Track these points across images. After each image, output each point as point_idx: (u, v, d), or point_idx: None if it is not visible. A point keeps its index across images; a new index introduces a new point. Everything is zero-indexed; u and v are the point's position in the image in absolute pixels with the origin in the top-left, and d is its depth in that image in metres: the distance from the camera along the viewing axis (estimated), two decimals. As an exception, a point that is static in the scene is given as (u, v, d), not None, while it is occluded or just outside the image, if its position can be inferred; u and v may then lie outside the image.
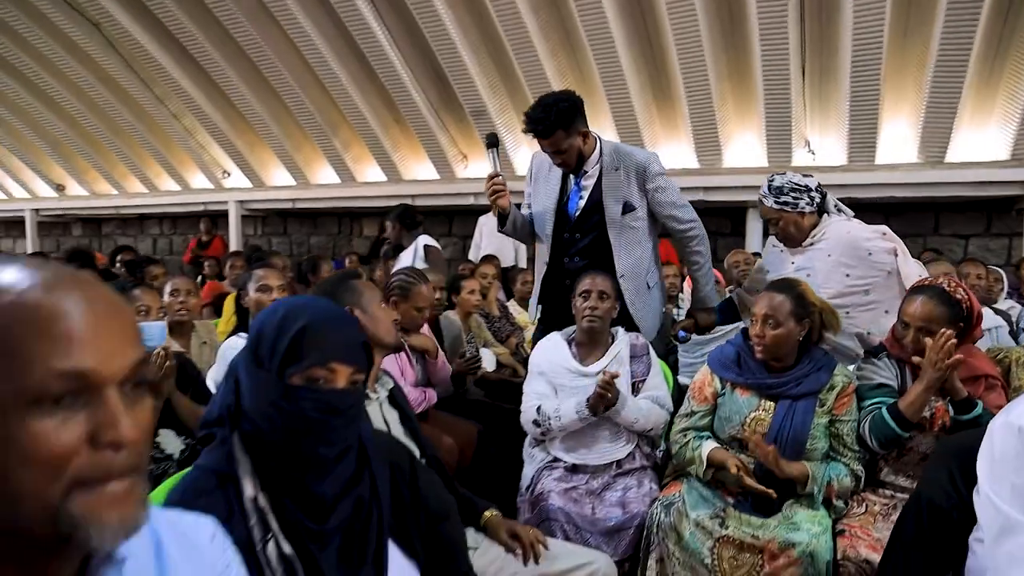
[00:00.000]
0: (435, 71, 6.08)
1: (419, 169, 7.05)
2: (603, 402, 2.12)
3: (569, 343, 2.37)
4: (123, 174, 8.48)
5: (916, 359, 1.88)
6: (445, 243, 5.44)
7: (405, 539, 1.10)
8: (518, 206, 2.72)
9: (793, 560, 1.79)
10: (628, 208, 2.54)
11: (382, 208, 7.15)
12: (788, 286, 2.01)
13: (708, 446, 2.03)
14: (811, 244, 2.41)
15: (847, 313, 2.24)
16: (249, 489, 0.98)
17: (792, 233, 2.42)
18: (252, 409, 1.02)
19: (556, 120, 2.38)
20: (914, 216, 6.00)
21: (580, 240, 2.60)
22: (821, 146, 5.64)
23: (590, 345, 2.34)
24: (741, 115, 5.69)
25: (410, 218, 4.69)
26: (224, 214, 7.93)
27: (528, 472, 2.30)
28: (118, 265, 5.46)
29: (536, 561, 1.61)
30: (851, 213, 2.50)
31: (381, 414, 1.68)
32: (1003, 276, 4.36)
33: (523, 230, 2.70)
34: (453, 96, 6.14)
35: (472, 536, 1.67)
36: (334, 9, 5.70)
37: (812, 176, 2.47)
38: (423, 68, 6.10)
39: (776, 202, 2.41)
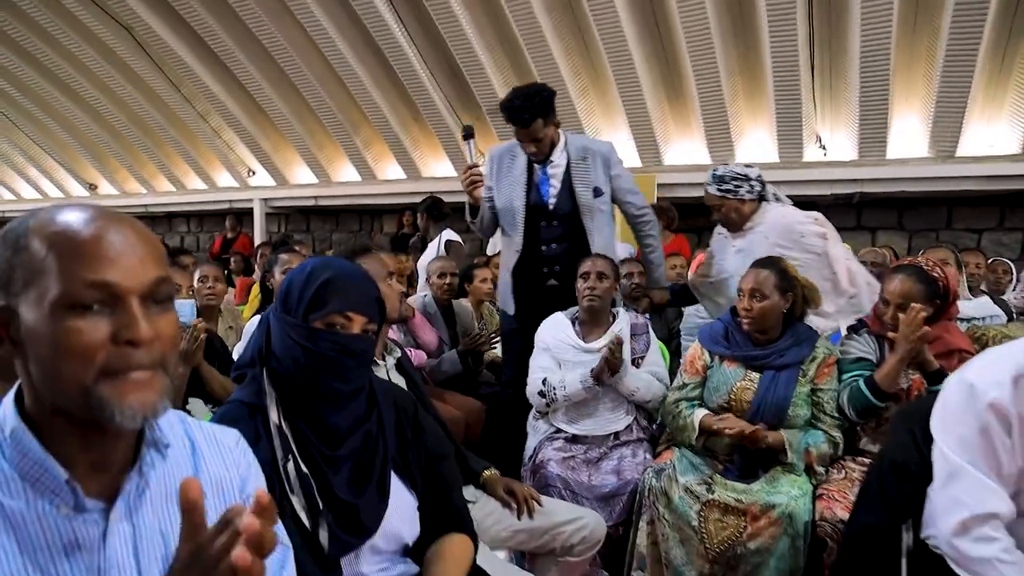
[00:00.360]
0: (452, 70, 6.25)
1: (437, 166, 7.22)
2: (609, 366, 2.25)
3: (573, 322, 2.51)
4: (152, 173, 8.77)
5: (892, 334, 2.00)
6: (463, 239, 5.60)
7: (406, 471, 1.26)
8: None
9: (773, 520, 1.92)
10: (598, 193, 2.70)
11: (402, 205, 7.34)
12: (771, 262, 2.14)
13: (700, 413, 2.16)
14: (751, 228, 2.59)
15: None
16: (274, 416, 1.15)
17: (733, 219, 2.62)
18: (280, 349, 1.18)
19: (538, 109, 2.54)
20: (927, 211, 6.03)
21: (557, 227, 2.72)
22: (832, 141, 5.71)
23: (592, 323, 2.49)
24: (753, 111, 5.77)
25: (437, 210, 4.87)
26: (249, 212, 8.17)
27: (531, 443, 2.44)
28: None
29: (530, 516, 1.76)
30: (789, 201, 2.68)
31: (389, 380, 1.83)
32: (1012, 268, 4.42)
33: (489, 223, 2.81)
34: (470, 94, 6.30)
35: (472, 492, 1.82)
36: (354, 10, 5.89)
37: (753, 167, 2.65)
38: (441, 67, 6.26)
39: (719, 190, 2.62)
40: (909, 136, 5.51)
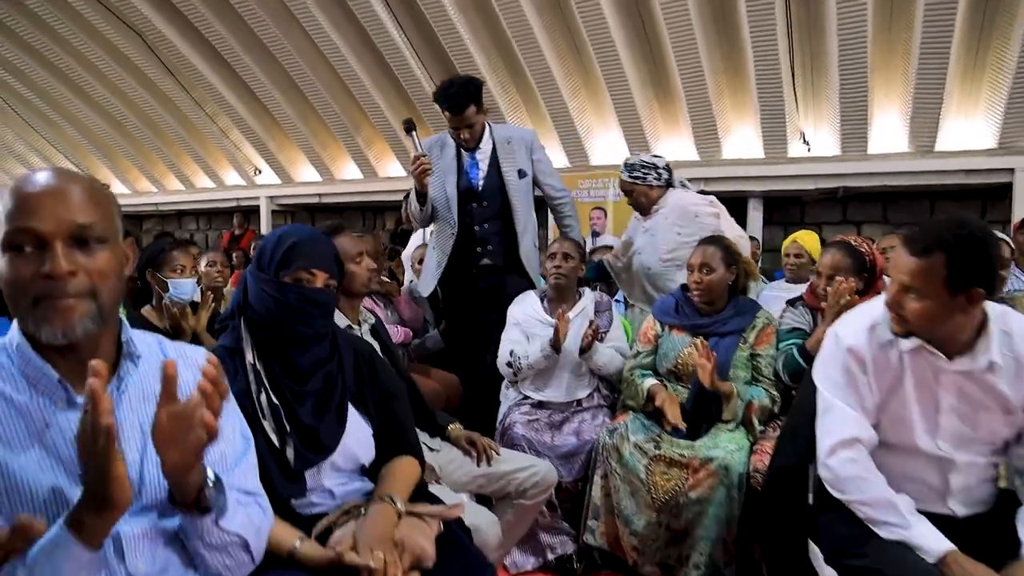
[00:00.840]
0: (449, 72, 6.46)
1: (436, 164, 7.45)
2: (584, 342, 2.49)
3: (541, 299, 2.73)
4: (163, 172, 9.06)
5: (823, 304, 2.20)
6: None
7: (362, 404, 1.48)
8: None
9: (711, 472, 2.12)
10: (522, 174, 2.94)
11: (403, 202, 7.57)
12: (715, 240, 2.36)
13: (649, 382, 2.37)
14: (656, 211, 2.89)
15: (679, 266, 2.68)
16: (250, 357, 1.37)
17: (642, 202, 2.94)
18: (255, 300, 1.41)
19: (472, 96, 2.80)
20: (909, 204, 6.18)
21: (487, 207, 2.94)
22: (815, 138, 5.88)
23: (559, 300, 2.70)
24: (738, 109, 5.96)
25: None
26: (256, 209, 8.43)
27: (502, 409, 2.66)
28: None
29: (488, 463, 1.98)
30: (694, 188, 3.00)
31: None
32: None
33: (428, 211, 2.97)
34: (466, 94, 6.52)
35: (438, 443, 2.04)
36: (355, 15, 6.14)
37: (661, 157, 2.95)
38: (438, 69, 6.49)
39: (630, 176, 2.92)
40: (889, 131, 5.67)
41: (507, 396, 2.69)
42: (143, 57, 7.26)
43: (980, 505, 1.46)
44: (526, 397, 2.61)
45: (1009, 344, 1.39)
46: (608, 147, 6.62)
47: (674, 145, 6.36)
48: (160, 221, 10.01)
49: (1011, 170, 5.43)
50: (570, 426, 2.49)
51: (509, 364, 2.59)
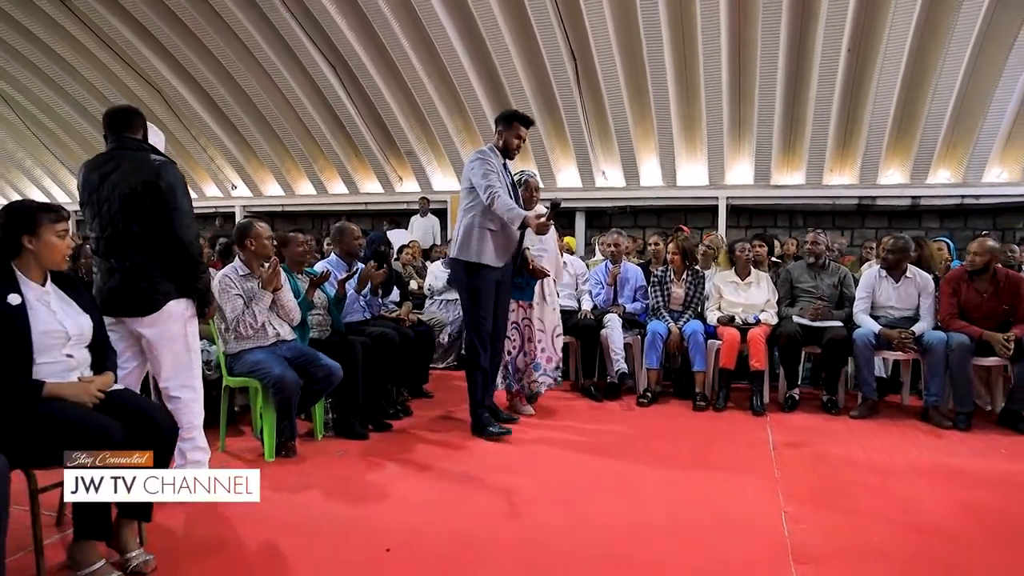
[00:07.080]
0: (378, 122, 9.66)
1: (370, 185, 10.61)
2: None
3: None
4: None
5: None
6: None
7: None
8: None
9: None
10: None
11: (344, 212, 10.66)
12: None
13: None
14: None
15: None
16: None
17: None
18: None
19: None
20: (673, 216, 9.75)
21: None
22: (611, 174, 9.41)
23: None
24: (563, 154, 9.41)
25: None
26: (232, 215, 11.29)
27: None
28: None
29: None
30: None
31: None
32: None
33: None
34: (391, 138, 9.74)
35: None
36: (314, 81, 9.24)
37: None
38: (372, 119, 9.66)
39: None
40: (651, 171, 9.25)
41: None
42: (156, 103, 10.07)
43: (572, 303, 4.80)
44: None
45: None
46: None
47: (526, 176, 9.76)
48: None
49: (717, 197, 9.12)
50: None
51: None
